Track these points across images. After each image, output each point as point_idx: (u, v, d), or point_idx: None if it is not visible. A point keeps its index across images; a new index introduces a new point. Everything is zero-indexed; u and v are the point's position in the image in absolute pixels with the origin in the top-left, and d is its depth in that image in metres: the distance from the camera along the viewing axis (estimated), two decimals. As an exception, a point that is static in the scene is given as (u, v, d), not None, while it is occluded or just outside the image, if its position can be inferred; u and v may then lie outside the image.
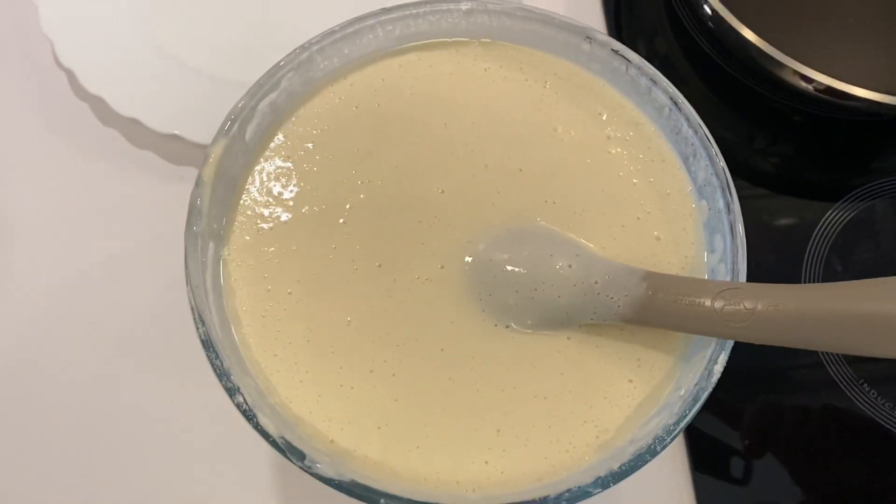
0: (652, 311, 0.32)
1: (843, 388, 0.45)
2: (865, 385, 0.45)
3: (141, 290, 0.47)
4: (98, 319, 0.46)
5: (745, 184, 0.53)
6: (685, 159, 0.37)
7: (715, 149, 0.35)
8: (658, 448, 0.30)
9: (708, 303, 0.30)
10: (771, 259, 0.48)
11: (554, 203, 0.36)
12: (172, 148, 0.50)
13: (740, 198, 0.34)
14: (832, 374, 0.45)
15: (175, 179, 0.50)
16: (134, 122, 0.48)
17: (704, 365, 0.32)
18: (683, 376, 0.33)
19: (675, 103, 0.36)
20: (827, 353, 0.46)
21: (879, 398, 0.45)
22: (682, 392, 0.32)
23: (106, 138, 0.51)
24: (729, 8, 0.48)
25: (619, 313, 0.32)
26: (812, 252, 0.48)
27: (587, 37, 0.37)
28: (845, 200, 0.51)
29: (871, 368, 0.45)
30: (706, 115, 0.57)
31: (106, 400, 0.45)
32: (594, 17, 0.58)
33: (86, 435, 0.44)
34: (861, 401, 0.45)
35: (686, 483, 0.42)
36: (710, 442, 0.43)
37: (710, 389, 0.31)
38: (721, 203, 0.35)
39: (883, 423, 0.44)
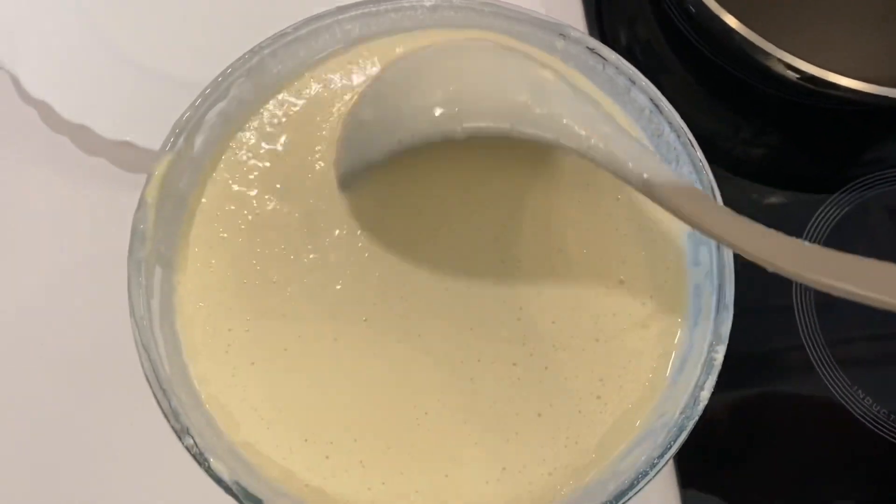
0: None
1: (834, 393, 0.43)
2: (859, 391, 0.44)
3: (95, 306, 0.44)
4: (48, 339, 0.44)
5: (730, 176, 0.51)
6: (668, 165, 0.34)
7: (699, 154, 0.33)
8: (641, 482, 0.28)
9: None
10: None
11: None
12: (126, 154, 0.47)
13: (725, 191, 0.32)
14: (822, 378, 0.44)
15: (129, 188, 0.47)
16: (83, 129, 0.45)
17: (690, 391, 0.30)
18: (665, 402, 0.31)
19: (657, 105, 0.34)
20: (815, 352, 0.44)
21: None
22: (666, 420, 0.30)
23: (54, 145, 0.48)
24: (711, -7, 0.46)
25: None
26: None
27: (561, 34, 0.35)
28: (840, 193, 0.49)
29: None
30: (690, 104, 0.55)
31: (61, 426, 0.42)
32: (573, 3, 0.55)
33: (41, 465, 0.42)
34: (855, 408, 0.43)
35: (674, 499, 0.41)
36: (697, 452, 0.41)
37: (697, 418, 0.29)
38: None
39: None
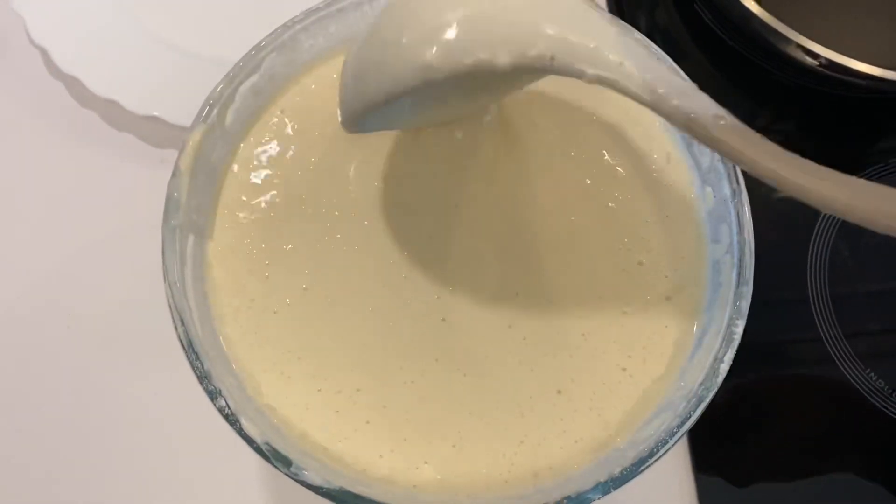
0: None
1: (853, 384, 0.44)
2: (872, 373, 0.44)
3: (122, 279, 0.45)
4: (78, 310, 0.45)
5: (746, 163, 0.51)
6: (688, 145, 0.35)
7: (721, 134, 0.33)
8: (660, 451, 0.29)
9: None
10: (775, 245, 0.47)
11: None
12: (153, 130, 0.48)
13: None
14: (841, 368, 0.44)
15: (156, 163, 0.48)
16: (112, 104, 0.46)
17: (710, 364, 0.30)
18: (686, 374, 0.32)
19: (681, 85, 0.34)
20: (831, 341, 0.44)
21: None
22: (686, 391, 0.31)
23: (83, 120, 0.49)
24: (732, -21, 0.46)
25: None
26: (818, 237, 0.47)
27: (587, 14, 0.35)
28: (852, 182, 0.49)
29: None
30: (707, 90, 0.55)
31: (87, 395, 0.43)
32: (592, -12, 0.55)
33: (67, 432, 0.43)
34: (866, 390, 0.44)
35: (688, 482, 0.41)
36: (712, 437, 0.42)
37: (716, 389, 0.30)
38: (727, 191, 0.33)
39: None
